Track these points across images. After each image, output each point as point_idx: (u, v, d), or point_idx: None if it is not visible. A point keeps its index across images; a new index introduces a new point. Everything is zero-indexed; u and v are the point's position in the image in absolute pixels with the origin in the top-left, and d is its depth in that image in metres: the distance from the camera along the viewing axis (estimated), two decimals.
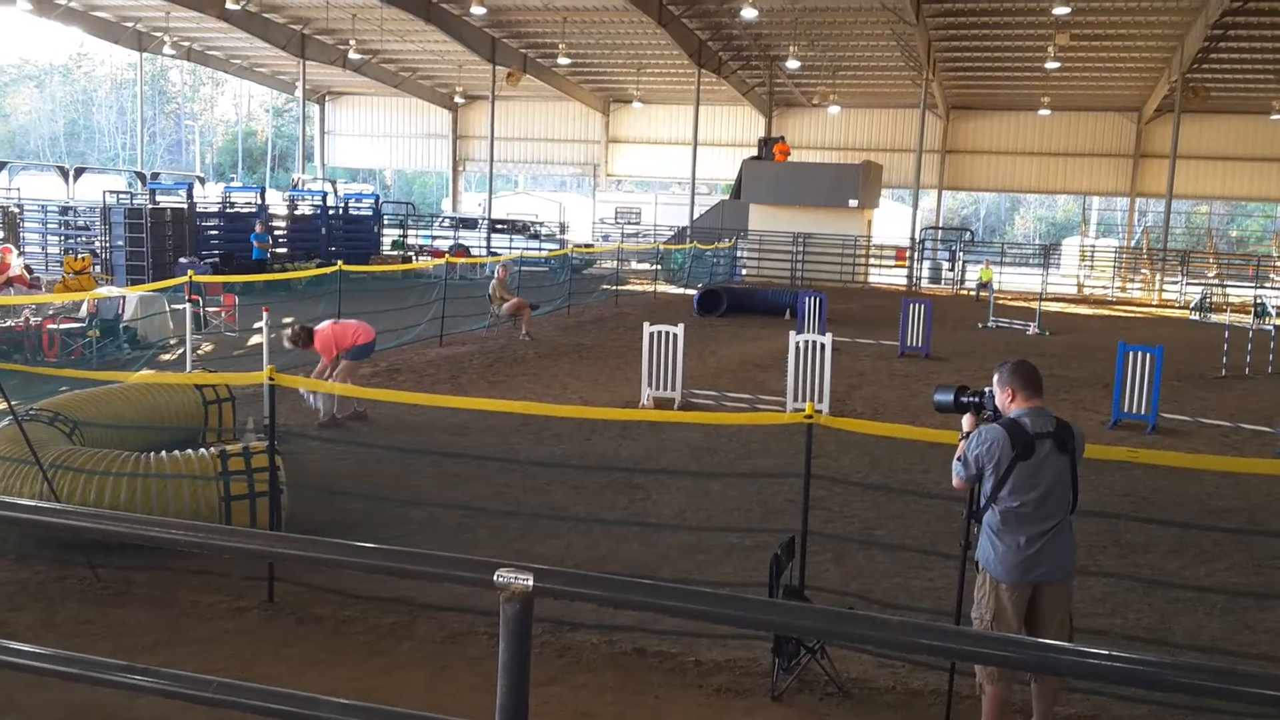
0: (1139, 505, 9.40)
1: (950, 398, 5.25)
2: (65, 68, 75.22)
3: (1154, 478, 10.10)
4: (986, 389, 5.14)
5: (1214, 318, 25.78)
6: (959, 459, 5.03)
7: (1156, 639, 6.49)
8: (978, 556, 5.04)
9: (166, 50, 38.40)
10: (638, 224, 42.46)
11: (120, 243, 24.43)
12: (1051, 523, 4.87)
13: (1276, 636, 6.66)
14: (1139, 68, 35.18)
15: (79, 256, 21.01)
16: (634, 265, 34.20)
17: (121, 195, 28.93)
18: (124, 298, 16.27)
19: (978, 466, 4.91)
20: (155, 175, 38.30)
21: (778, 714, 5.45)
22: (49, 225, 29.05)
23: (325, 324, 11.75)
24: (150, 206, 25.45)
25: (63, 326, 15.02)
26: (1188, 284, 32.93)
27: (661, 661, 5.94)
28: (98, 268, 23.27)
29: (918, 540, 8.07)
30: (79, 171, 35.22)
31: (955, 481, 5.10)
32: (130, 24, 38.08)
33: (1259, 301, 24.36)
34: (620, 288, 26.92)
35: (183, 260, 23.15)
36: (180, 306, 14.89)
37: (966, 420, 5.19)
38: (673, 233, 38.60)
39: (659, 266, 30.79)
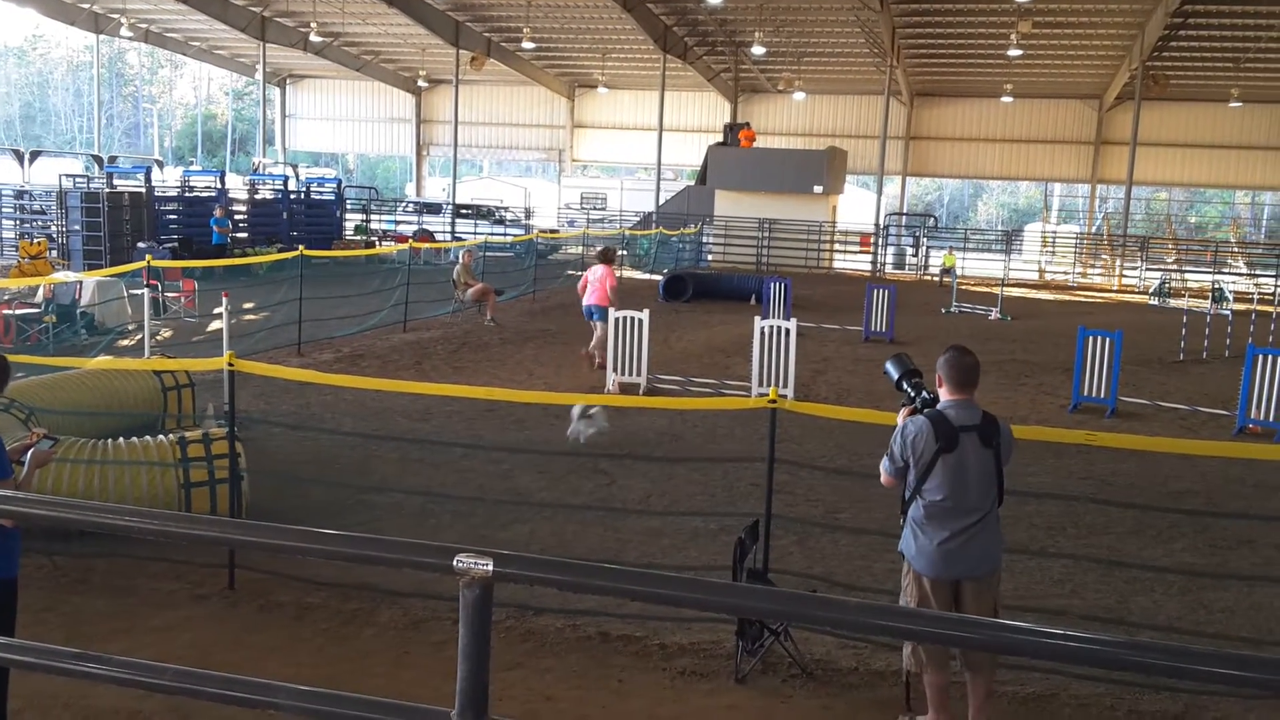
0: (1098, 487, 9.52)
1: (896, 376, 5.23)
2: (20, 49, 73.82)
3: (1113, 460, 10.23)
4: (927, 392, 5.08)
5: (1173, 303, 26.12)
6: (887, 454, 4.96)
7: (1115, 619, 6.58)
8: (901, 548, 5.03)
9: (124, 32, 37.76)
10: (603, 209, 42.35)
11: (77, 227, 24.03)
12: (975, 518, 4.82)
13: (1231, 615, 6.78)
14: (1100, 55, 35.50)
15: (35, 241, 20.70)
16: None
17: (78, 179, 28.42)
18: (81, 283, 16.03)
19: (903, 459, 4.86)
20: (113, 159, 37.68)
21: (741, 696, 5.48)
22: (3, 209, 28.56)
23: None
24: (108, 190, 25.03)
25: (18, 312, 14.80)
26: (1147, 269, 33.33)
27: (625, 645, 5.95)
28: (54, 252, 22.94)
29: (880, 523, 8.10)
30: (34, 155, 34.57)
31: (883, 478, 5.03)
32: (86, 5, 37.40)
33: (1217, 287, 24.69)
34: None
35: (141, 245, 22.80)
36: (139, 292, 14.69)
37: (901, 415, 5.12)
38: (638, 218, 38.56)
39: (624, 252, 30.75)
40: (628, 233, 32.93)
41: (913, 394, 5.12)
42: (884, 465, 5.00)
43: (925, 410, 4.95)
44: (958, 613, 4.87)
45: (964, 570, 4.87)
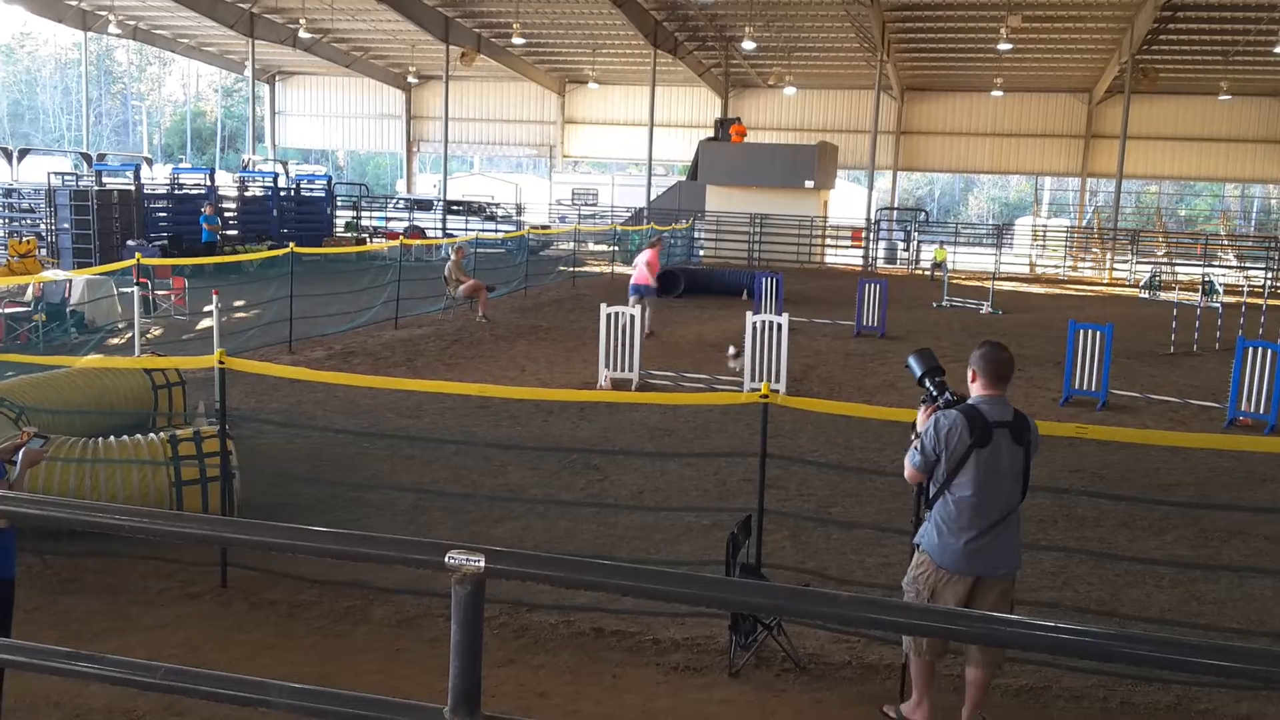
0: (1089, 480, 9.55)
1: (919, 373, 5.10)
2: (8, 47, 73.45)
3: (1104, 453, 10.26)
4: (950, 393, 4.99)
5: (1163, 296, 26.18)
6: (917, 449, 4.87)
7: (1107, 611, 6.60)
8: (919, 539, 4.97)
9: (112, 29, 37.57)
10: (594, 205, 42.29)
11: (66, 225, 23.96)
12: (1001, 515, 4.77)
13: (1222, 607, 6.80)
14: (1090, 49, 35.55)
15: (24, 239, 20.60)
16: (591, 247, 34.12)
17: (67, 177, 28.30)
18: (70, 281, 15.97)
19: (935, 453, 4.78)
20: (102, 156, 37.44)
21: (735, 690, 5.49)
22: None
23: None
24: (97, 188, 24.95)
25: (8, 310, 14.74)
26: (1137, 263, 33.39)
27: (619, 640, 5.95)
28: (43, 251, 22.83)
29: (872, 517, 8.14)
30: (23, 153, 34.36)
31: (908, 473, 4.95)
32: (74, 2, 37.23)
33: (1207, 280, 24.76)
34: (577, 269, 26.85)
35: (130, 243, 22.75)
36: (128, 290, 14.65)
37: (922, 414, 5.04)
38: (630, 214, 38.52)
39: (616, 248, 30.73)
40: (619, 228, 32.90)
41: (935, 393, 5.01)
42: (911, 459, 4.89)
43: (958, 405, 4.86)
44: (971, 609, 4.83)
45: (986, 568, 4.81)
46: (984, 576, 4.83)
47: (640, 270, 16.95)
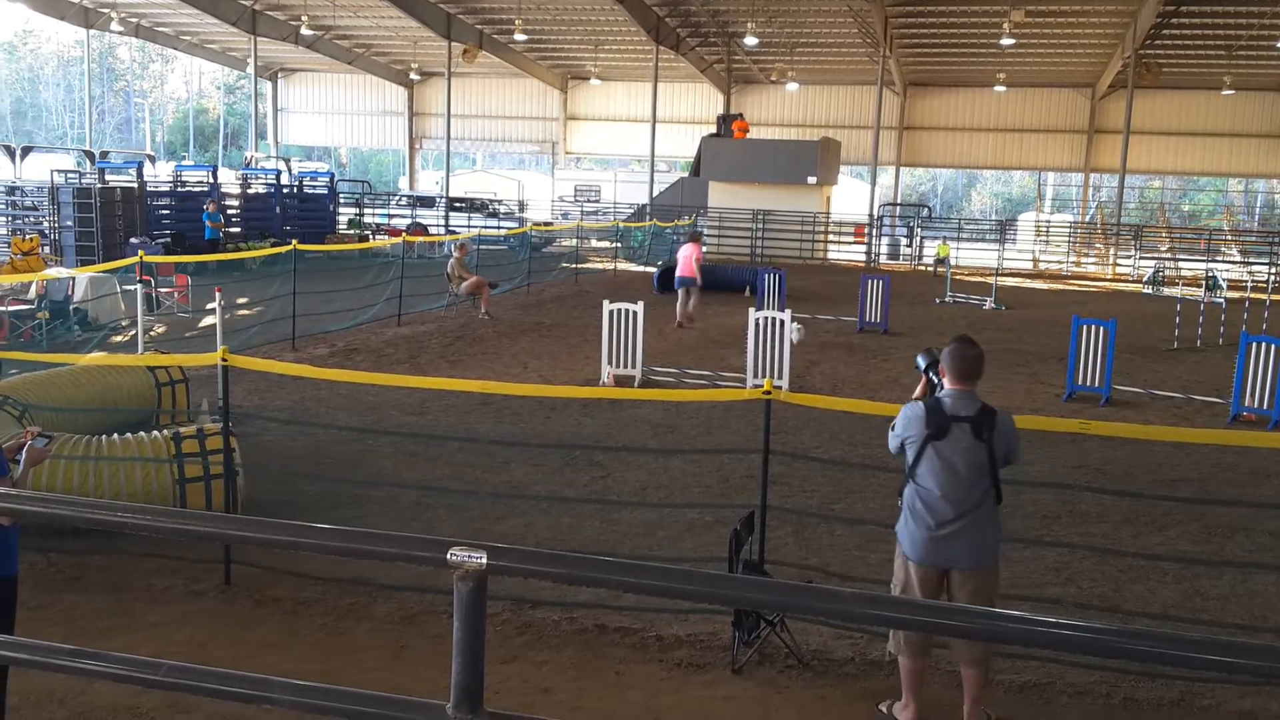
0: (1092, 476, 9.53)
1: (923, 367, 5.38)
2: (10, 45, 73.49)
3: (1107, 449, 10.26)
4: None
5: (1166, 291, 26.12)
6: (891, 425, 5.11)
7: (1110, 607, 6.59)
8: (896, 528, 5.08)
9: (114, 27, 37.58)
10: (597, 202, 42.28)
11: (69, 223, 23.97)
12: (964, 509, 4.79)
13: (1225, 602, 6.80)
14: (1093, 44, 35.49)
15: (27, 237, 20.62)
16: (594, 243, 34.11)
17: (70, 174, 28.30)
18: (74, 279, 15.99)
19: (898, 440, 4.99)
20: (104, 154, 37.46)
21: (738, 686, 5.49)
22: None
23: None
24: (100, 186, 24.95)
25: (11, 308, 14.76)
26: (1141, 258, 33.34)
27: (623, 637, 5.96)
28: (46, 248, 22.86)
29: (875, 513, 8.12)
30: (26, 150, 34.40)
31: (890, 445, 5.21)
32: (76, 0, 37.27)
33: (1210, 275, 24.69)
34: (580, 266, 26.84)
35: (133, 240, 22.75)
36: (131, 287, 14.66)
37: (920, 389, 5.31)
38: (632, 210, 38.50)
39: (619, 244, 30.72)
40: (622, 225, 32.87)
41: (937, 383, 5.21)
42: (890, 434, 5.12)
43: (925, 398, 5.04)
44: (947, 600, 4.89)
45: (950, 560, 4.86)
46: (951, 569, 4.88)
47: (684, 263, 18.19)
